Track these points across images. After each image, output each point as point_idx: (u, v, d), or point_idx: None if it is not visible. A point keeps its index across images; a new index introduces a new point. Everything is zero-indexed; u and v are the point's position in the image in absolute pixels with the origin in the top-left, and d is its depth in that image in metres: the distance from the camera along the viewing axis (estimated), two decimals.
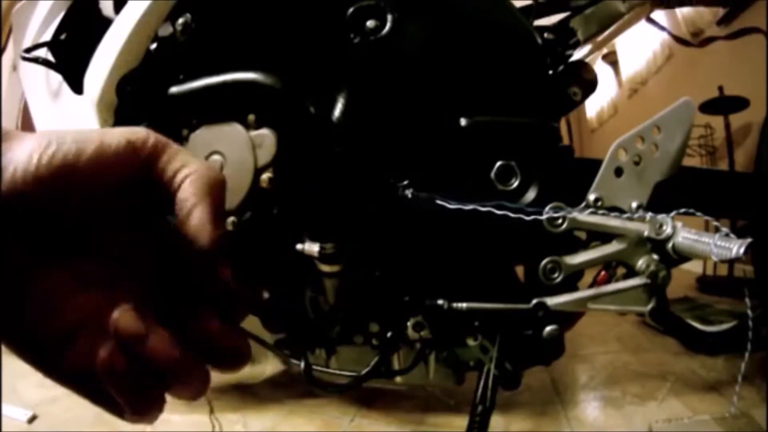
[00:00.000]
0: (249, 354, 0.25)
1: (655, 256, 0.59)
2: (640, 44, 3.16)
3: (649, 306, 0.60)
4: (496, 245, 0.61)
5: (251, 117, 0.59)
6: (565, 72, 0.70)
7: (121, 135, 0.24)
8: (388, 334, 0.65)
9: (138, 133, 0.24)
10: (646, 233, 0.58)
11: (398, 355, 0.73)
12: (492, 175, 0.61)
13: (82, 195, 0.22)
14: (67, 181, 0.21)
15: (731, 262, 1.10)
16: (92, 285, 0.23)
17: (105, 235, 0.24)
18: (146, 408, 0.23)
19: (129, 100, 0.68)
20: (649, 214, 0.58)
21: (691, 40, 2.30)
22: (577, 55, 0.75)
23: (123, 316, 0.23)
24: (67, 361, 0.23)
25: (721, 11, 2.17)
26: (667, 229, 0.56)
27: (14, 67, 1.35)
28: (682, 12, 2.39)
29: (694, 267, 2.11)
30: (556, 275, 0.60)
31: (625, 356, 1.28)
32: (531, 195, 0.61)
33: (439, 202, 0.56)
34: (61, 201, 0.22)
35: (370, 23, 0.59)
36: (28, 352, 0.23)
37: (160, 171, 0.24)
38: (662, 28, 2.14)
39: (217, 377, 0.27)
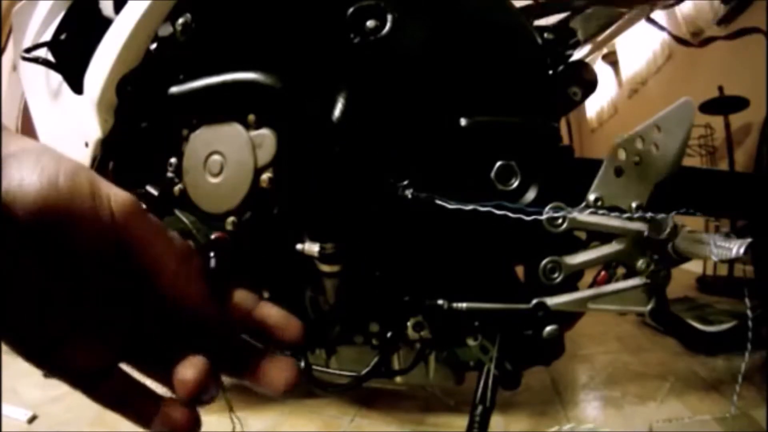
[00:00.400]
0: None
1: (655, 256, 0.59)
2: (640, 44, 3.16)
3: (649, 306, 0.60)
4: (496, 245, 0.61)
5: (251, 117, 0.59)
6: (565, 72, 0.70)
7: (106, 198, 0.22)
8: (388, 334, 0.65)
9: (125, 207, 0.23)
10: (646, 233, 0.58)
11: (398, 355, 0.73)
12: (492, 175, 0.61)
13: (57, 234, 0.22)
14: (45, 218, 0.21)
15: (731, 262, 1.10)
16: (84, 297, 0.24)
17: (90, 265, 0.23)
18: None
19: (129, 100, 0.68)
20: (649, 214, 0.58)
21: (691, 40, 2.30)
22: (577, 55, 0.75)
23: (202, 378, 0.24)
24: (59, 359, 0.24)
25: (721, 11, 2.17)
26: (667, 229, 0.56)
27: (14, 67, 1.35)
28: (682, 12, 2.39)
29: (694, 267, 2.11)
30: (556, 275, 0.60)
31: (625, 356, 1.28)
32: (531, 195, 0.61)
33: (438, 202, 0.56)
34: (42, 229, 0.21)
35: (370, 23, 0.59)
36: (21, 345, 0.23)
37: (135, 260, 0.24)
38: (662, 28, 2.14)
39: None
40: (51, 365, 0.24)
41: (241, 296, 0.28)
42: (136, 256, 0.23)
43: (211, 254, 0.29)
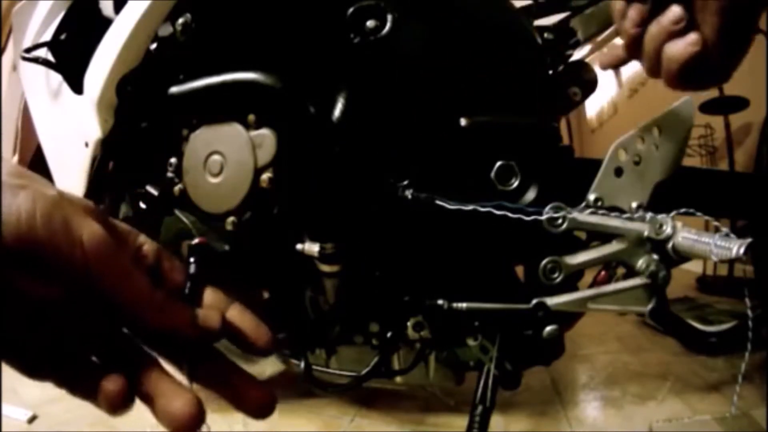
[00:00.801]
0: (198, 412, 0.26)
1: (655, 256, 0.59)
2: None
3: (649, 306, 0.60)
4: (496, 245, 0.61)
5: (251, 117, 0.59)
6: (565, 72, 0.70)
7: (78, 237, 0.24)
8: (388, 334, 0.65)
9: (96, 245, 0.24)
10: (646, 233, 0.58)
11: (398, 355, 0.73)
12: (492, 175, 0.61)
13: (37, 263, 0.23)
14: (23, 252, 0.23)
15: (731, 262, 1.10)
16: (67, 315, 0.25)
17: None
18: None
19: (129, 100, 0.68)
20: (649, 214, 0.58)
21: None
22: (577, 55, 0.75)
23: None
24: (52, 371, 0.26)
25: None
26: (667, 229, 0.56)
27: (14, 67, 1.35)
28: None
29: (694, 267, 2.11)
30: (556, 275, 0.60)
31: (625, 356, 1.28)
32: (531, 195, 0.61)
33: (438, 202, 0.56)
34: (23, 258, 0.23)
35: (370, 23, 0.59)
36: (15, 360, 0.25)
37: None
38: None
39: None
40: (44, 378, 0.25)
41: (215, 298, 0.29)
42: (107, 289, 0.25)
43: (191, 260, 0.30)
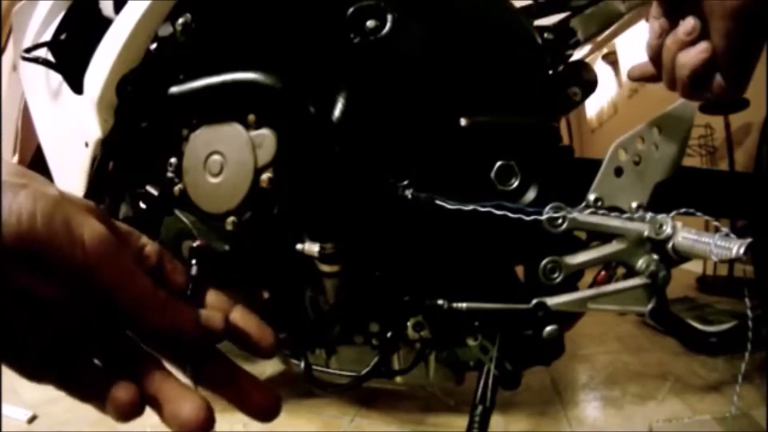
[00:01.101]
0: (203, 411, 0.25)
1: (655, 256, 0.59)
2: (640, 44, 3.16)
3: (649, 306, 0.60)
4: (496, 245, 0.61)
5: (251, 117, 0.59)
6: (565, 72, 0.70)
7: (79, 238, 0.24)
8: (388, 334, 0.65)
9: (98, 246, 0.24)
10: (646, 233, 0.58)
11: (398, 355, 0.73)
12: (492, 175, 0.61)
13: (37, 264, 0.23)
14: (24, 253, 0.23)
15: (731, 262, 1.10)
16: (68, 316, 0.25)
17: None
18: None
19: (129, 100, 0.68)
20: (649, 214, 0.58)
21: None
22: (577, 55, 0.75)
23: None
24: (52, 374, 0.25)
25: None
26: (667, 229, 0.56)
27: (14, 67, 1.35)
28: None
29: (694, 267, 2.11)
30: (556, 275, 0.60)
31: (625, 356, 1.28)
32: (531, 195, 0.61)
33: (438, 202, 0.56)
34: (24, 259, 0.23)
35: (370, 23, 0.59)
36: (16, 361, 0.25)
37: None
38: None
39: None
40: (45, 380, 0.25)
41: (217, 300, 0.29)
42: (109, 289, 0.25)
43: (193, 262, 0.30)
